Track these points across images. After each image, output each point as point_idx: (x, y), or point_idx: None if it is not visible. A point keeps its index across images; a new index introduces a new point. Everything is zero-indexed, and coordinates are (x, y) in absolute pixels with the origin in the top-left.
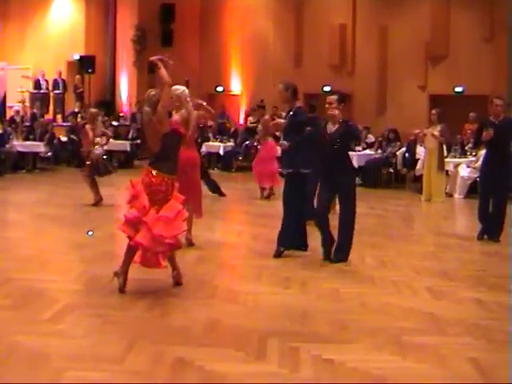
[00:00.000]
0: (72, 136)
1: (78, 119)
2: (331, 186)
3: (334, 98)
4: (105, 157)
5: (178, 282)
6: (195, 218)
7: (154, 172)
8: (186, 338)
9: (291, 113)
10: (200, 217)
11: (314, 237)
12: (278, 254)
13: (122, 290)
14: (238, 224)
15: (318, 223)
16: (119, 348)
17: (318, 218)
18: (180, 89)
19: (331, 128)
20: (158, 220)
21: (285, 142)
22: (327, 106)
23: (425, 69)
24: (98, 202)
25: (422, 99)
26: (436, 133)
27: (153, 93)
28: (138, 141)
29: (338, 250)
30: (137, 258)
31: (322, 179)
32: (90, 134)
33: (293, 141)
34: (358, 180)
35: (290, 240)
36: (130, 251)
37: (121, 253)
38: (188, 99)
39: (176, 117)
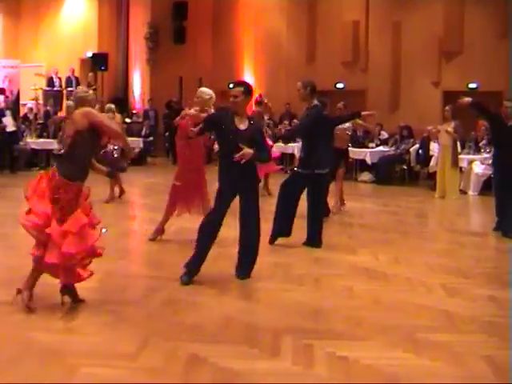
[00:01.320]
0: None
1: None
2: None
3: (240, 89)
4: (115, 155)
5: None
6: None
7: (60, 175)
8: (200, 334)
9: (306, 113)
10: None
11: (329, 233)
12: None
13: (29, 306)
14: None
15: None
16: (133, 345)
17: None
18: (209, 94)
19: (239, 125)
20: (64, 235)
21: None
22: (231, 99)
23: (438, 65)
24: (112, 199)
25: (435, 95)
26: (450, 129)
27: (90, 96)
28: (151, 138)
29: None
30: (57, 275)
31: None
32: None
33: (308, 142)
34: (371, 177)
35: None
36: (37, 270)
37: (135, 249)
38: (212, 106)
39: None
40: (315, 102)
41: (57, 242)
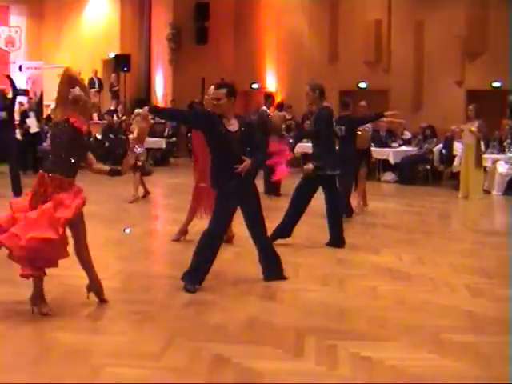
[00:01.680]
0: (110, 134)
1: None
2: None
3: (222, 91)
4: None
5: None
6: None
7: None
8: (223, 335)
9: (316, 116)
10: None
11: (352, 234)
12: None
13: (44, 313)
14: (274, 221)
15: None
16: (157, 345)
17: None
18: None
19: (229, 126)
20: (22, 219)
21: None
22: (214, 102)
23: (461, 64)
24: (136, 199)
25: (458, 95)
26: (474, 128)
27: (83, 97)
28: (174, 138)
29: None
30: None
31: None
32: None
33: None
34: (394, 177)
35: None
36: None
37: (157, 250)
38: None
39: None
40: (325, 103)
41: (13, 224)
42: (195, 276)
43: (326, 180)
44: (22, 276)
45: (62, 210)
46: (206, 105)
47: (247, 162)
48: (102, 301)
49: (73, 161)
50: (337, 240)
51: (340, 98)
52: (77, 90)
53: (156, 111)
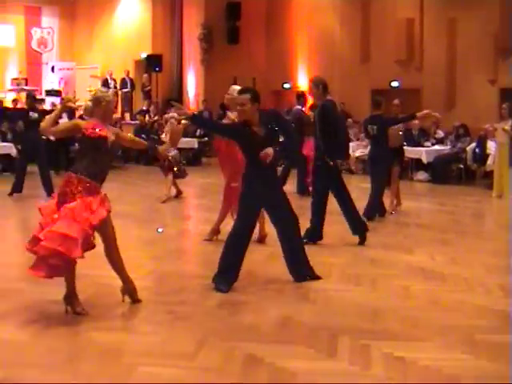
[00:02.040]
0: (142, 135)
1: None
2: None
3: (246, 97)
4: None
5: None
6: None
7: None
8: (256, 334)
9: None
10: None
11: (385, 233)
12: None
13: (79, 312)
14: (308, 220)
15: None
16: (190, 344)
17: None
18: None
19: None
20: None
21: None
22: (239, 108)
23: (495, 62)
24: (168, 199)
25: (492, 93)
26: (507, 127)
27: (108, 97)
28: (206, 138)
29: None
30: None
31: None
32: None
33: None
34: (427, 176)
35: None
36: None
37: (190, 249)
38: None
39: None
40: (328, 97)
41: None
42: (225, 278)
43: (328, 169)
44: (34, 275)
45: (88, 213)
46: (226, 102)
47: (269, 149)
48: (136, 301)
49: (98, 166)
50: (358, 231)
51: (372, 97)
52: (99, 91)
53: (195, 121)
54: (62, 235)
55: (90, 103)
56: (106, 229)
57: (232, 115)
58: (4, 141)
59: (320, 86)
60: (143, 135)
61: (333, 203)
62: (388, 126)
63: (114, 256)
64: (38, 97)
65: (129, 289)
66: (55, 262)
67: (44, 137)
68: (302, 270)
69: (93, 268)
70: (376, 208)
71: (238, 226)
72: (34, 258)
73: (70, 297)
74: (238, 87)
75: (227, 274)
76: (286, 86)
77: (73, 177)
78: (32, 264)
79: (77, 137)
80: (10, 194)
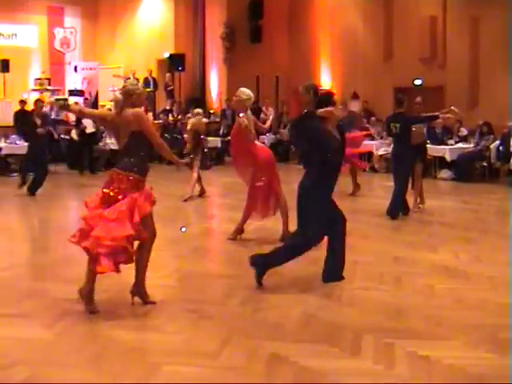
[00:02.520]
0: (165, 134)
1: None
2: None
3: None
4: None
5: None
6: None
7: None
8: (280, 333)
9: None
10: (263, 217)
11: (409, 232)
12: None
13: (92, 311)
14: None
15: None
16: (214, 343)
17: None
18: (248, 95)
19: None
20: (97, 219)
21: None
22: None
23: None
24: (190, 197)
25: None
26: None
27: (139, 90)
28: (229, 137)
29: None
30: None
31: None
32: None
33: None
34: (450, 174)
35: None
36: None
37: (213, 248)
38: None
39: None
40: None
41: (89, 225)
42: (265, 266)
43: None
44: (100, 273)
45: (136, 210)
46: (234, 105)
47: None
48: (148, 303)
49: (145, 161)
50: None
51: (394, 96)
52: (129, 84)
53: None
54: (126, 237)
55: (119, 96)
56: (146, 224)
57: (240, 118)
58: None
59: (311, 91)
60: (166, 135)
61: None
62: (411, 125)
63: (144, 252)
64: (61, 96)
65: (140, 292)
66: (121, 259)
67: (65, 137)
68: (336, 273)
69: None
70: (400, 206)
71: (313, 233)
72: (91, 256)
73: (88, 293)
74: (245, 89)
75: (269, 266)
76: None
77: (122, 174)
78: (97, 263)
79: (125, 133)
80: (31, 193)
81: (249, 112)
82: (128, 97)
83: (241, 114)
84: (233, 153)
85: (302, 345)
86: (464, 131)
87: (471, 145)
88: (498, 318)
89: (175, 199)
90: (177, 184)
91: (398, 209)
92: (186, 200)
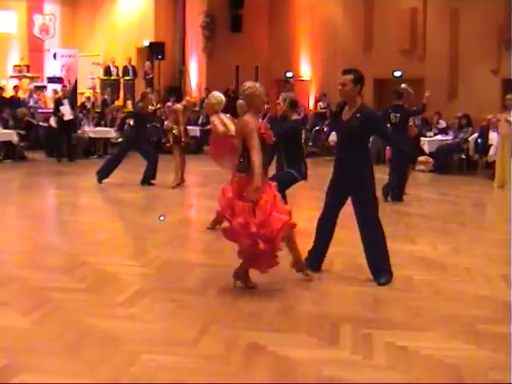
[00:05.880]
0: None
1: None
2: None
3: (348, 77)
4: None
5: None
6: None
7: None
8: (258, 323)
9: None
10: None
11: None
12: None
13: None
14: (311, 210)
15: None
16: (192, 332)
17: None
18: (216, 99)
19: (344, 115)
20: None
21: None
22: (340, 88)
23: (498, 53)
24: (178, 185)
25: (494, 84)
26: (510, 118)
27: (258, 90)
28: (208, 126)
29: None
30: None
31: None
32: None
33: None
34: (429, 166)
35: None
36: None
37: (192, 238)
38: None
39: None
40: (294, 116)
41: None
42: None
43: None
44: (264, 272)
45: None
46: (206, 111)
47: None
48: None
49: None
50: None
51: (375, 87)
52: (247, 86)
53: None
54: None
55: (242, 102)
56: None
57: (214, 127)
58: (5, 128)
59: (287, 100)
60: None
61: None
62: (409, 117)
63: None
64: (39, 84)
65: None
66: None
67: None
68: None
69: (96, 255)
70: (402, 191)
71: (374, 210)
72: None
73: (244, 273)
74: (217, 94)
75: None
76: (289, 74)
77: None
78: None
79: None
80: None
81: (221, 114)
82: (251, 98)
83: (215, 122)
84: (214, 153)
85: (280, 334)
86: (443, 123)
87: (450, 137)
88: (476, 309)
89: (154, 188)
90: (157, 173)
91: (401, 192)
92: (174, 187)
